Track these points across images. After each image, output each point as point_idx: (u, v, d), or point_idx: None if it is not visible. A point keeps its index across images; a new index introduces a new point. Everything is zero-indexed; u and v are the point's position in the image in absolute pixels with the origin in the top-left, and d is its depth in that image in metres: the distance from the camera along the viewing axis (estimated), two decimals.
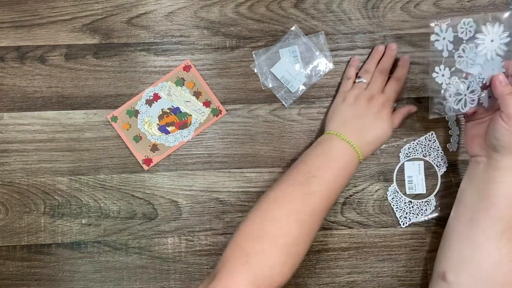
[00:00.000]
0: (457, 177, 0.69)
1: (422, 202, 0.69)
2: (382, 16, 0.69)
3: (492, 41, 0.57)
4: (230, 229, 0.68)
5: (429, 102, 0.61)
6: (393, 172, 0.69)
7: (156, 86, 0.67)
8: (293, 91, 0.68)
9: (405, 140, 0.69)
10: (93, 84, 0.68)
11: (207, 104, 0.68)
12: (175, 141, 0.67)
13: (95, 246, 0.67)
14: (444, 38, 0.56)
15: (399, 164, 0.69)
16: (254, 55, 0.68)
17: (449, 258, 0.59)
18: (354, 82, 0.67)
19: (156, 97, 0.67)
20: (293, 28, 0.69)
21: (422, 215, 0.68)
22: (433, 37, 0.57)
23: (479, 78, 0.58)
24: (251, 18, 0.69)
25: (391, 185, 0.69)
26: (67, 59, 0.68)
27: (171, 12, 0.69)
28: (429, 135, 0.69)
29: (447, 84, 0.58)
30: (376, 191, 0.69)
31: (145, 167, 0.67)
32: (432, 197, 0.69)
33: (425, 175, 0.69)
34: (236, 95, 0.69)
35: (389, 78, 0.67)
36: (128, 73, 0.68)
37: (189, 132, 0.68)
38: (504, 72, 0.57)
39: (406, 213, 0.68)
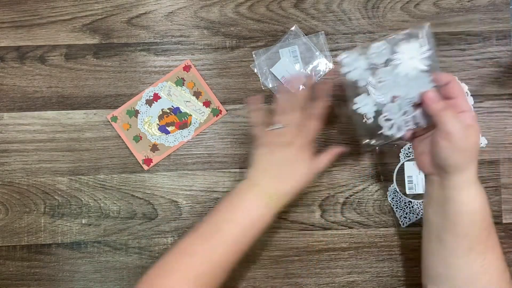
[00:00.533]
0: None
1: (422, 202, 0.68)
2: (382, 16, 0.69)
3: (411, 58, 0.54)
4: None
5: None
6: (393, 172, 0.69)
7: (156, 86, 0.67)
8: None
9: None
10: (93, 84, 0.68)
11: (207, 104, 0.68)
12: (175, 141, 0.67)
13: (95, 246, 0.67)
14: (355, 68, 0.54)
15: (399, 164, 0.69)
16: (254, 55, 0.68)
17: (427, 274, 0.58)
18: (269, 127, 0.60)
19: (156, 97, 0.67)
20: (293, 28, 0.69)
21: (422, 215, 0.68)
22: (344, 70, 0.55)
23: (407, 98, 0.54)
24: (251, 18, 0.69)
25: (391, 185, 0.69)
26: (67, 59, 0.68)
27: (171, 12, 0.69)
28: None
29: (373, 112, 0.56)
30: (376, 191, 0.69)
31: (145, 167, 0.67)
32: None
33: (425, 175, 0.69)
34: (236, 95, 0.69)
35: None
36: (128, 73, 0.68)
37: (189, 132, 0.68)
38: (435, 85, 0.53)
39: (406, 213, 0.68)
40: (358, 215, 0.68)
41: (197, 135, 0.68)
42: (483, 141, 0.69)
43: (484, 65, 0.69)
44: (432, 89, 0.53)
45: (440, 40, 0.69)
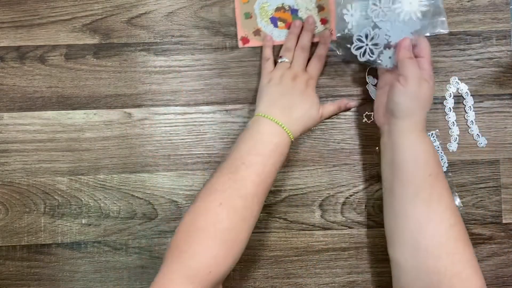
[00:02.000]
0: (457, 177, 0.69)
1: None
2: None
3: (410, 3, 0.58)
4: None
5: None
6: None
7: None
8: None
9: None
10: (93, 84, 0.68)
11: (324, 21, 0.68)
12: (278, 36, 0.68)
13: (95, 246, 0.67)
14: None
15: None
16: None
17: (386, 236, 0.60)
18: (276, 61, 0.67)
19: None
20: None
21: None
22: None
23: (386, 35, 0.59)
24: None
25: None
26: (67, 59, 0.68)
27: (171, 12, 0.69)
28: (429, 135, 0.69)
29: (353, 25, 0.61)
30: (376, 191, 0.69)
31: (240, 44, 0.68)
32: None
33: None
34: (236, 95, 0.69)
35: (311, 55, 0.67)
36: (128, 73, 0.68)
37: None
38: (413, 39, 0.59)
39: None
40: (358, 215, 0.68)
41: (198, 134, 0.68)
42: (483, 141, 0.69)
43: (484, 65, 0.69)
44: (409, 38, 0.59)
45: (440, 40, 0.69)
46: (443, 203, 0.56)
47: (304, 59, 0.66)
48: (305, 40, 0.66)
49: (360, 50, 0.61)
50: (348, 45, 0.62)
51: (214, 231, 0.53)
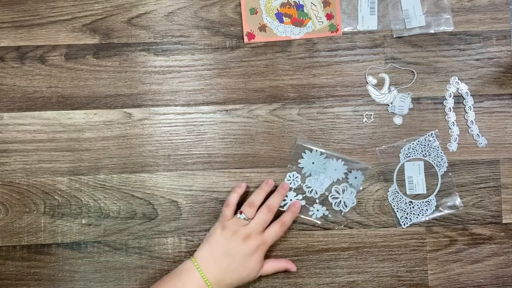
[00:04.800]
0: (457, 177, 0.69)
1: (422, 202, 0.69)
2: (382, 16, 0.69)
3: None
4: None
5: None
6: (393, 172, 0.69)
7: None
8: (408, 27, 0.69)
9: (405, 140, 0.69)
10: (93, 84, 0.68)
11: (329, 16, 0.68)
12: (283, 32, 0.68)
13: (95, 246, 0.67)
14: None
15: (399, 165, 0.69)
16: None
17: None
18: (235, 213, 0.64)
19: None
20: None
21: (422, 215, 0.68)
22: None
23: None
24: None
25: (391, 186, 0.69)
26: (67, 59, 0.68)
27: (171, 12, 0.69)
28: (429, 135, 0.69)
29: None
30: (376, 191, 0.69)
31: (246, 40, 0.68)
32: (432, 197, 0.69)
33: (425, 175, 0.69)
34: (236, 95, 0.69)
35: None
36: (128, 73, 0.68)
37: (300, 32, 0.68)
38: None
39: (407, 214, 0.68)
40: (358, 215, 0.68)
41: (198, 134, 0.68)
42: (483, 141, 0.69)
43: (484, 65, 0.69)
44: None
45: (440, 40, 0.69)
46: None
47: (266, 222, 0.63)
48: (276, 201, 0.65)
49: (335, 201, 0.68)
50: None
51: None
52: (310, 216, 0.68)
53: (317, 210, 0.68)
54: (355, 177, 0.68)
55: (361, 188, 0.68)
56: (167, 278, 0.61)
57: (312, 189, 0.68)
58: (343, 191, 0.67)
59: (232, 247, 0.61)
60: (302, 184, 0.68)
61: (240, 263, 0.61)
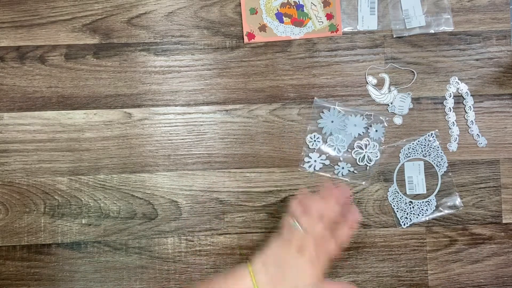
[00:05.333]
0: (457, 177, 0.69)
1: (422, 202, 0.69)
2: (382, 16, 0.69)
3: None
4: (230, 229, 0.68)
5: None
6: (393, 172, 0.69)
7: None
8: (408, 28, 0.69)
9: (405, 140, 0.69)
10: (93, 84, 0.68)
11: (329, 16, 0.68)
12: (283, 32, 0.68)
13: (95, 246, 0.67)
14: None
15: (399, 165, 0.69)
16: None
17: None
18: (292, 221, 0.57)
19: None
20: None
21: (422, 215, 0.68)
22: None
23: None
24: None
25: (391, 186, 0.69)
26: (67, 59, 0.68)
27: (171, 12, 0.69)
28: (429, 135, 0.69)
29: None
30: (376, 191, 0.69)
31: (246, 40, 0.68)
32: (432, 197, 0.69)
33: (425, 175, 0.69)
34: (236, 95, 0.69)
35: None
36: (128, 73, 0.68)
37: (300, 32, 0.68)
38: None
39: (407, 214, 0.68)
40: None
41: (198, 134, 0.68)
42: (483, 141, 0.69)
43: (484, 65, 0.69)
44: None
45: (440, 40, 0.69)
46: None
47: (321, 237, 0.56)
48: (333, 213, 0.58)
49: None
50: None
51: None
52: (336, 175, 0.68)
53: (342, 168, 0.68)
54: (376, 130, 0.68)
55: (383, 140, 0.68)
56: (218, 279, 0.56)
57: (335, 148, 0.68)
58: (366, 145, 0.68)
59: (284, 257, 0.56)
60: (324, 144, 0.68)
61: (292, 276, 0.55)
